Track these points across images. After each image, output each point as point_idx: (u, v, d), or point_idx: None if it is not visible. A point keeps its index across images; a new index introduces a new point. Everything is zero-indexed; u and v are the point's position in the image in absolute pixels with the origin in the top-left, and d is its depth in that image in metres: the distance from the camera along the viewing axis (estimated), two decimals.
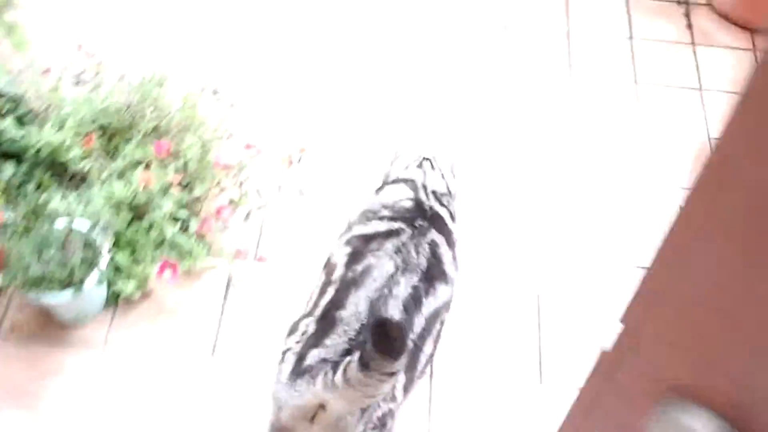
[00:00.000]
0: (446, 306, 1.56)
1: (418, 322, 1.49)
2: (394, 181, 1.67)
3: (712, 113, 2.55)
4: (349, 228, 1.60)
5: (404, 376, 1.47)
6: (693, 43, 2.75)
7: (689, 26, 2.79)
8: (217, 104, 2.24)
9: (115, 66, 2.25)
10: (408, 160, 1.70)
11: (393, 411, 1.48)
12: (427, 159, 1.69)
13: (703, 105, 2.56)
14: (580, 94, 2.59)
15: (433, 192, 1.64)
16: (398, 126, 2.41)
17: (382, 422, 1.46)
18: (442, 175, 1.68)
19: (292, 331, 1.52)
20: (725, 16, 2.80)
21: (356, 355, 1.26)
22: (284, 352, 1.50)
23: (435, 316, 1.53)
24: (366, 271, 1.49)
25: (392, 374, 1.25)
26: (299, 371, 1.42)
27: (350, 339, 1.43)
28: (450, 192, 1.68)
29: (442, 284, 1.54)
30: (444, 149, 1.75)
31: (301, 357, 1.45)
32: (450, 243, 1.60)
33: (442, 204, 1.63)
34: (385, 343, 1.21)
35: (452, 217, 1.66)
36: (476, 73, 2.61)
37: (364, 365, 1.24)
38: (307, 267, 2.06)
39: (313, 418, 1.40)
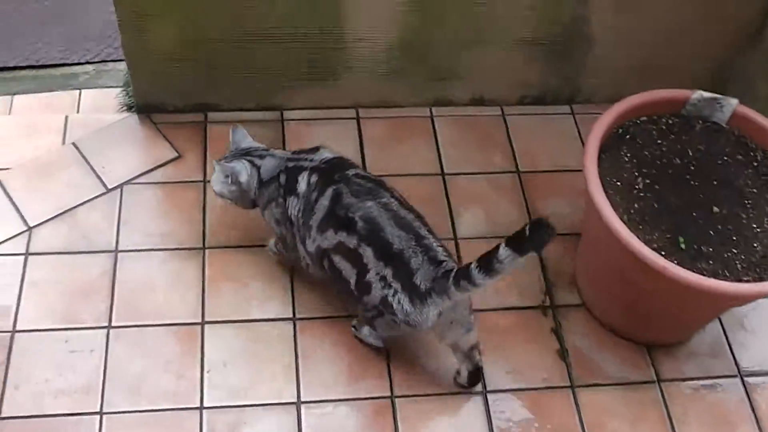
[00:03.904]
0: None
1: (414, 212, 1.84)
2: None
3: None
4: (308, 229, 1.86)
5: None
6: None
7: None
8: None
9: None
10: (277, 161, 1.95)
11: None
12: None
13: None
14: None
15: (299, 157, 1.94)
16: None
17: None
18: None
19: (365, 289, 1.80)
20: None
21: (503, 250, 1.58)
22: (384, 298, 1.78)
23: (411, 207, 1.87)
24: (367, 219, 1.79)
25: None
26: (422, 296, 1.73)
27: (421, 251, 1.75)
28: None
29: (383, 188, 1.86)
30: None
31: (412, 288, 1.74)
32: (352, 164, 1.93)
33: (308, 157, 1.93)
34: (544, 234, 1.56)
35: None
36: None
37: (520, 250, 1.57)
38: None
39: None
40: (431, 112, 2.49)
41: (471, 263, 1.66)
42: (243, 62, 2.32)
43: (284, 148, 2.34)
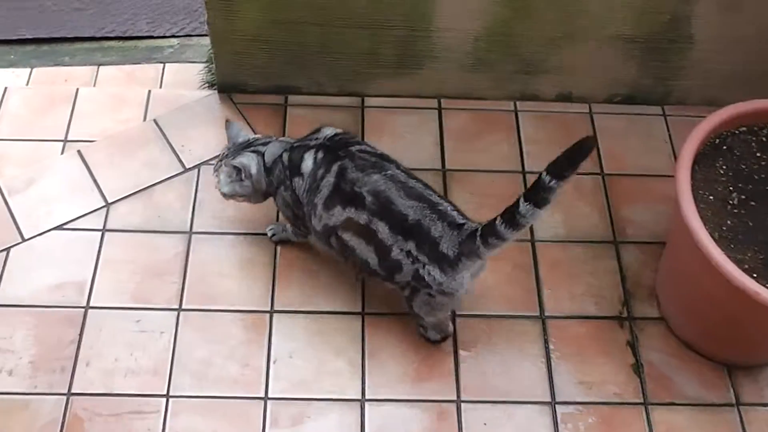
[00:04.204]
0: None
1: (422, 182, 1.81)
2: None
3: None
4: (313, 207, 1.84)
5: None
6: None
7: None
8: None
9: None
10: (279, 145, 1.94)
11: None
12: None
13: None
14: None
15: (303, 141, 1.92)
16: None
17: None
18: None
19: (395, 267, 1.77)
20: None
21: (523, 205, 1.59)
22: (416, 272, 1.74)
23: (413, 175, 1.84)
24: (375, 193, 1.75)
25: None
26: (452, 263, 1.71)
27: (437, 218, 1.72)
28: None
29: (388, 161, 1.84)
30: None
31: (440, 257, 1.71)
32: (357, 141, 1.91)
33: (313, 137, 1.91)
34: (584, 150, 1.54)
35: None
36: None
37: (538, 204, 1.57)
38: None
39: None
40: (515, 107, 2.41)
41: (495, 218, 1.65)
42: (327, 46, 2.28)
43: (362, 137, 2.29)
